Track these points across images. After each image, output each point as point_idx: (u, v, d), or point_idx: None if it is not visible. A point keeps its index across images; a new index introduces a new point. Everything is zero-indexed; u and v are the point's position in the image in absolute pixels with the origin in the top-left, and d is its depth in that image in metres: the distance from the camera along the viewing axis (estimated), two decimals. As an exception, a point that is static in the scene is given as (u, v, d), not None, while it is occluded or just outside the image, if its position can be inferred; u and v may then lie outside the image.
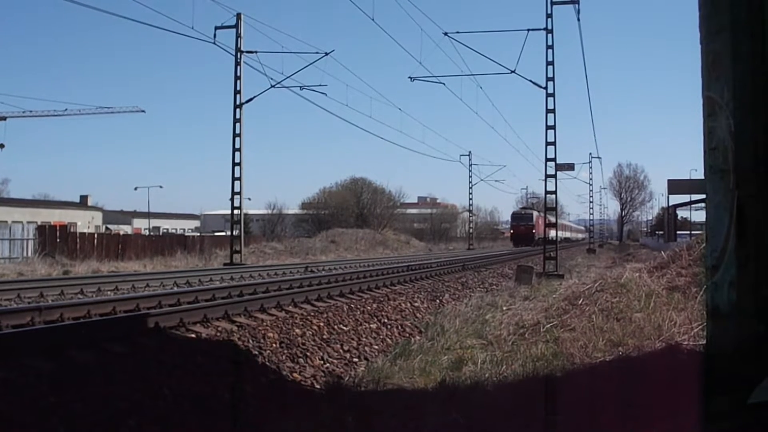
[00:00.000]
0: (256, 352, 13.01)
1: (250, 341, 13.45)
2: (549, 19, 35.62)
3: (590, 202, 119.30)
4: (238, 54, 39.11)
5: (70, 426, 8.18)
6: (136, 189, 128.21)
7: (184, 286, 21.62)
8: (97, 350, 10.95)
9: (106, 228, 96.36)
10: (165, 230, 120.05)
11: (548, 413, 7.83)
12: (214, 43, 36.82)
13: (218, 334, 13.64)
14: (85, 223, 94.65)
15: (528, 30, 36.13)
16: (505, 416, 8.42)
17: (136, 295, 17.23)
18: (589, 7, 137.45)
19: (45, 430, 7.98)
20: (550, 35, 35.69)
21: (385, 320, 18.59)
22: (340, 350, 14.87)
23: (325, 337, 15.25)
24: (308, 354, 13.85)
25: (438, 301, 23.87)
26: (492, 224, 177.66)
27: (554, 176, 37.61)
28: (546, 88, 36.04)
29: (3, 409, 8.12)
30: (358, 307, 18.92)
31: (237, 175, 40.90)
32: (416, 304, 21.95)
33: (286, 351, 13.56)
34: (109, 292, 19.42)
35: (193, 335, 13.38)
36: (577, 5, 36.42)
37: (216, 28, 37.85)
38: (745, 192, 4.63)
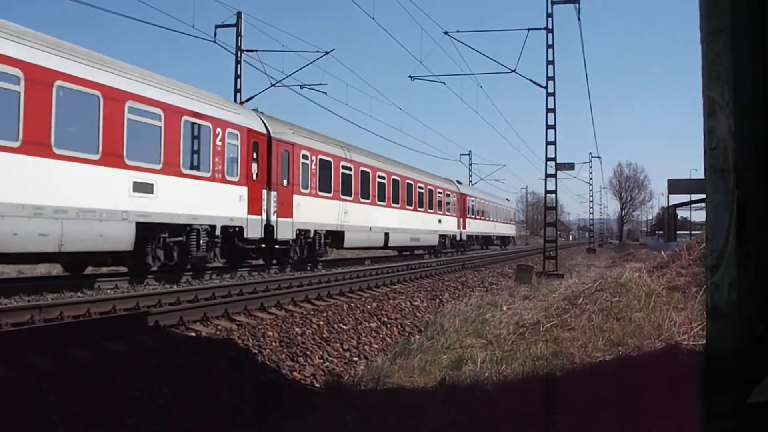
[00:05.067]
0: (256, 351, 13.01)
1: (250, 340, 13.46)
2: (549, 19, 35.60)
3: (590, 201, 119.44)
4: (239, 53, 39.00)
5: (69, 425, 8.18)
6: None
7: (183, 285, 21.59)
8: (96, 349, 10.95)
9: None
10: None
11: (548, 412, 7.84)
12: (214, 41, 36.61)
13: (218, 332, 13.64)
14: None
15: (528, 29, 36.08)
16: (505, 415, 8.42)
17: (136, 294, 17.22)
18: (590, 6, 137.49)
19: (44, 429, 7.98)
20: (550, 35, 35.67)
21: (385, 319, 18.59)
22: (340, 349, 14.88)
23: (324, 336, 15.25)
24: (308, 353, 13.85)
25: (438, 300, 23.87)
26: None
27: (554, 176, 37.55)
28: (546, 87, 36.02)
29: (3, 407, 8.13)
30: (358, 306, 18.93)
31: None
32: (416, 303, 21.96)
33: (285, 350, 13.57)
34: (108, 291, 19.41)
35: (193, 334, 13.39)
36: (577, 5, 36.36)
37: (216, 26, 37.71)
38: (745, 192, 4.62)
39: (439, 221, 54.26)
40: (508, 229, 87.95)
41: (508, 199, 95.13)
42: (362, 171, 38.66)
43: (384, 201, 42.18)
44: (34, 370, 9.40)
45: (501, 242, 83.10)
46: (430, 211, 51.95)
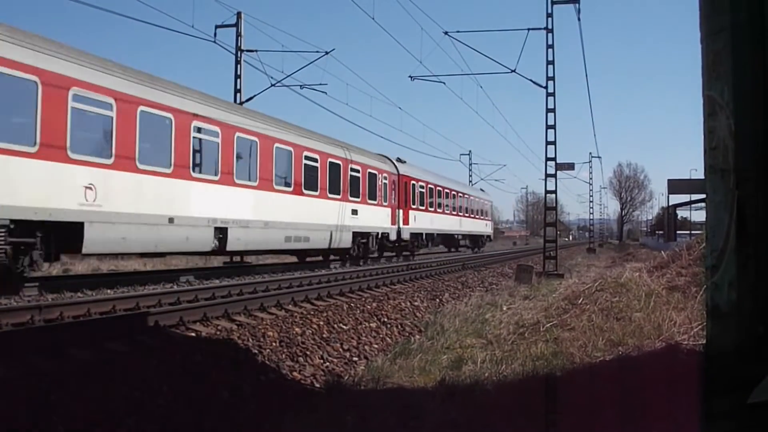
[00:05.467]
0: (256, 351, 13.01)
1: (250, 340, 13.46)
2: (549, 19, 35.59)
3: (590, 201, 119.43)
4: (239, 53, 39.03)
5: (69, 425, 8.19)
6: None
7: (184, 285, 21.56)
8: (96, 349, 10.96)
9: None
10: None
11: (548, 412, 7.84)
12: (214, 41, 36.57)
13: (218, 332, 13.64)
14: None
15: (528, 29, 36.06)
16: (505, 415, 8.42)
17: (136, 294, 17.22)
18: (590, 6, 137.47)
19: (44, 430, 7.98)
20: (550, 35, 35.64)
21: (385, 319, 18.59)
22: (340, 349, 14.88)
23: (324, 336, 15.25)
24: (308, 353, 13.85)
25: (438, 300, 23.87)
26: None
27: (554, 176, 37.54)
28: (546, 87, 36.01)
29: (3, 408, 8.13)
30: (358, 306, 18.93)
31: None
32: (416, 303, 21.95)
33: (285, 350, 13.57)
34: (108, 291, 19.39)
35: (193, 334, 13.39)
36: (577, 5, 36.32)
37: (216, 26, 37.72)
38: (745, 192, 4.63)
39: (354, 212, 36.17)
40: (481, 227, 70.16)
41: (483, 190, 78.29)
42: (147, 115, 21.44)
43: (214, 174, 24.81)
44: (34, 371, 9.41)
45: (471, 243, 66.32)
46: (334, 196, 34.15)
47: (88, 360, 10.34)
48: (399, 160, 45.96)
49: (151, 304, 15.58)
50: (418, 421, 8.69)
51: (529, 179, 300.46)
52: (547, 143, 36.56)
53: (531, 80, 37.19)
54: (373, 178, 39.03)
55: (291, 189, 30.14)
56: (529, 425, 7.89)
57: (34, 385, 8.89)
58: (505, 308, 17.89)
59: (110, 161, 19.79)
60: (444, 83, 43.50)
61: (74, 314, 13.80)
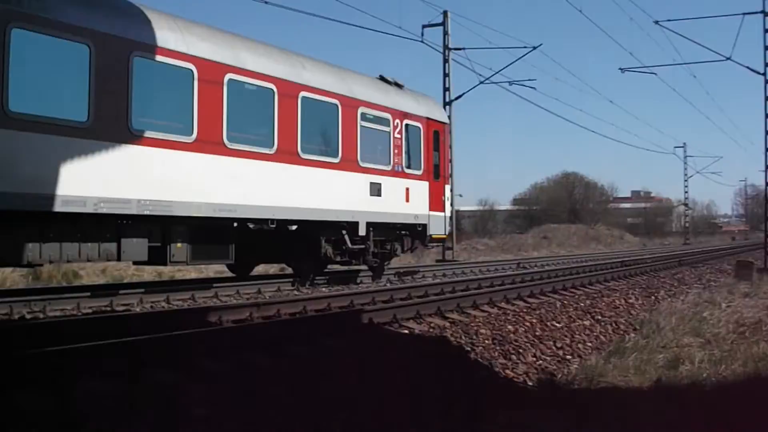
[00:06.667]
0: (468, 349, 13.02)
1: (463, 337, 13.48)
2: (766, 2, 34.05)
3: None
4: (446, 51, 39.27)
5: (280, 417, 8.41)
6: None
7: (397, 283, 21.90)
8: (312, 345, 11.23)
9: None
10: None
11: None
12: (422, 41, 37.04)
13: (431, 330, 13.74)
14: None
15: (744, 14, 34.69)
16: (726, 420, 8.13)
17: (350, 292, 17.61)
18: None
19: (248, 422, 8.22)
20: (767, 18, 34.15)
21: (599, 317, 18.26)
22: (553, 347, 14.70)
23: (537, 333, 15.11)
24: (520, 351, 13.75)
25: (653, 297, 23.25)
26: (709, 218, 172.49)
27: (775, 167, 35.96)
28: (764, 74, 34.47)
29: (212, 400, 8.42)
30: (571, 303, 18.68)
31: (449, 172, 40.84)
32: (630, 301, 21.48)
33: (498, 347, 13.52)
34: (323, 289, 19.90)
35: (406, 331, 13.53)
36: (797, -15, 34.60)
37: (423, 26, 38.15)
38: None
39: None
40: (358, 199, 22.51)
41: (402, 87, 25.95)
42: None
43: None
44: (251, 366, 9.73)
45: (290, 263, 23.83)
46: None
47: (304, 355, 10.60)
48: None
49: (365, 302, 15.87)
50: (635, 420, 8.51)
51: (748, 171, 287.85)
52: (767, 133, 35.04)
53: (748, 67, 35.80)
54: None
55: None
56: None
57: (251, 379, 9.18)
58: (724, 306, 17.32)
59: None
60: (655, 74, 42.28)
61: (291, 311, 14.24)
